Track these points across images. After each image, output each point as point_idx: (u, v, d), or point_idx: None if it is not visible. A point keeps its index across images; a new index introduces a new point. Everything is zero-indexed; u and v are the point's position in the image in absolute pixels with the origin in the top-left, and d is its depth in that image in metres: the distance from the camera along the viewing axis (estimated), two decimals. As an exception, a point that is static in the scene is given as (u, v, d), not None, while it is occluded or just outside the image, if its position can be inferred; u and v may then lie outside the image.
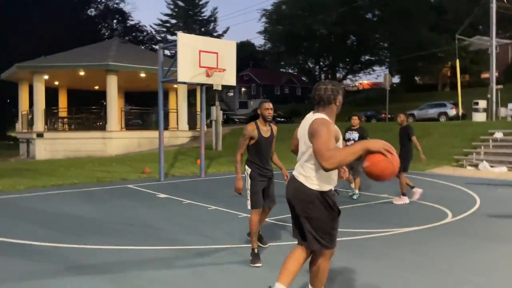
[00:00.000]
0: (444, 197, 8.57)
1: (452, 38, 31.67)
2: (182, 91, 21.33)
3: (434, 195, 8.83)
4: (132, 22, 48.31)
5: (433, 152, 16.55)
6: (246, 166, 4.58)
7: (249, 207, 4.50)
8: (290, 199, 3.02)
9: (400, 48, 40.98)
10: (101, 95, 25.02)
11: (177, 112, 22.00)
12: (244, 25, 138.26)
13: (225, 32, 57.73)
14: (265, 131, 4.54)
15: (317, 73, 52.02)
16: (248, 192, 4.50)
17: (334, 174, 2.98)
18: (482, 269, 4.28)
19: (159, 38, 51.33)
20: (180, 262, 4.55)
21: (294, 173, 3.02)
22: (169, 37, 51.47)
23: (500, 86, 23.84)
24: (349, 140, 8.19)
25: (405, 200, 7.87)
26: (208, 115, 21.03)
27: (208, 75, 10.64)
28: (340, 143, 2.91)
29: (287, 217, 3.68)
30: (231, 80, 11.29)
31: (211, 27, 55.72)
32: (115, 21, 47.63)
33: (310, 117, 2.92)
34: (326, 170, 2.61)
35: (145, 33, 50.10)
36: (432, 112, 26.21)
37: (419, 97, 38.92)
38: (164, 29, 53.93)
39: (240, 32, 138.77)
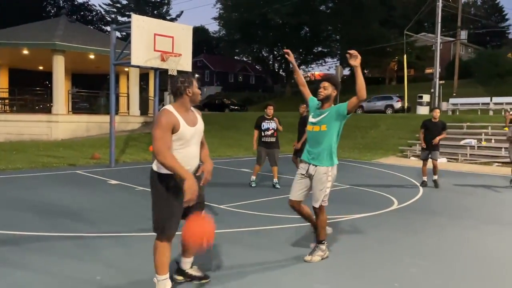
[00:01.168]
0: (390, 185, 9.02)
1: (399, 34, 33.00)
2: (134, 75, 20.70)
3: (381, 183, 9.28)
4: (80, 1, 46.10)
5: (380, 142, 17.34)
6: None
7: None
8: None
9: (351, 41, 42.08)
10: (46, 76, 23.75)
11: (128, 96, 21.35)
12: (199, 10, 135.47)
13: (178, 16, 56.19)
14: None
15: (271, 62, 52.31)
16: None
17: (188, 159, 3.15)
18: (427, 253, 4.58)
19: (109, 18, 49.38)
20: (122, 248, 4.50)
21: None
22: (120, 18, 49.57)
23: (442, 82, 25.23)
24: (268, 129, 8.19)
25: None
26: (161, 100, 20.61)
27: (163, 60, 10.40)
28: (182, 131, 3.06)
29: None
30: (187, 66, 11.10)
31: (164, 10, 54.22)
32: (61, -2, 45.18)
33: None
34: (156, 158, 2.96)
35: (94, 13, 47.99)
36: (380, 104, 27.27)
37: (368, 89, 40.13)
38: (115, 10, 51.77)
39: (194, 17, 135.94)
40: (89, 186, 8.15)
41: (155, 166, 3.14)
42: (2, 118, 18.16)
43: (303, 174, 4.24)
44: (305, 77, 66.47)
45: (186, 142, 3.11)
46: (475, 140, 14.65)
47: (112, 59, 11.08)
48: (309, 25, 44.32)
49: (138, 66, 10.84)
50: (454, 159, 14.15)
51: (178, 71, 11.15)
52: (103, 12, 50.31)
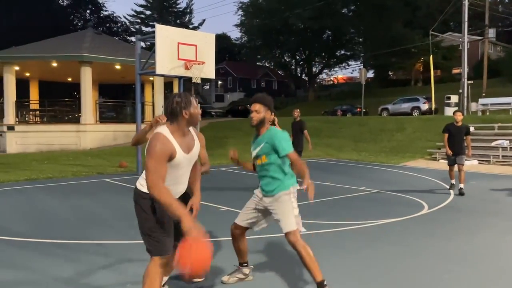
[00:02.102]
0: (419, 189, 8.80)
1: (424, 34, 32.41)
2: (159, 84, 21.05)
3: (410, 187, 9.06)
4: (105, 13, 47.30)
5: (407, 145, 16.99)
6: None
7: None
8: None
9: (374, 43, 41.64)
10: (74, 87, 24.44)
11: (153, 104, 21.71)
12: (220, 18, 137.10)
13: (201, 24, 56.87)
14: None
15: (293, 67, 52.27)
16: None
17: (176, 186, 2.89)
18: (459, 259, 4.43)
19: (133, 29, 50.48)
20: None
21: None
22: (144, 28, 50.64)
23: (470, 82, 24.56)
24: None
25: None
26: (185, 108, 20.85)
27: (187, 68, 10.52)
28: (178, 159, 2.71)
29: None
30: (210, 73, 11.21)
31: (186, 19, 55.03)
32: (88, 11, 46.47)
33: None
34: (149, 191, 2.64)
35: (119, 24, 49.15)
36: (406, 106, 26.77)
37: (393, 91, 39.71)
38: (139, 20, 52.95)
39: (216, 24, 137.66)
40: (117, 194, 8.28)
41: (141, 186, 2.87)
42: (34, 129, 18.77)
43: (258, 204, 3.56)
44: (328, 81, 66.03)
45: (179, 169, 2.82)
46: (507, 141, 14.16)
47: (138, 68, 11.28)
48: (331, 29, 44.10)
49: (163, 75, 11.02)
50: (485, 161, 13.70)
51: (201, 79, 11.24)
52: (127, 23, 51.49)
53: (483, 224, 5.95)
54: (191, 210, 3.00)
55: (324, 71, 53.00)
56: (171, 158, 2.68)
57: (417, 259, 4.42)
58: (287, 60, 51.39)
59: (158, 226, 2.85)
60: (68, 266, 4.15)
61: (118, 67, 19.14)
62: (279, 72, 60.18)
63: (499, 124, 15.84)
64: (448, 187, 8.82)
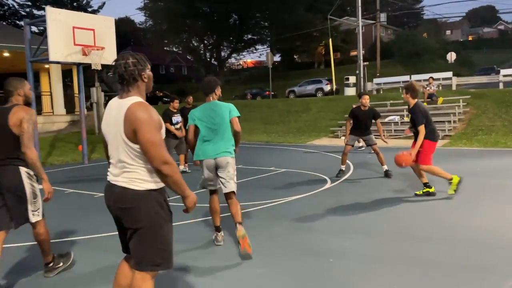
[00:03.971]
0: (323, 166, 9.38)
1: (324, 18, 34.05)
2: (56, 72, 19.48)
3: (315, 165, 9.62)
4: (-12, -6, 42.32)
5: (313, 125, 17.92)
6: None
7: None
8: (112, 209, 2.41)
9: (279, 27, 42.75)
10: (-46, 78, 21.63)
11: (51, 95, 20.08)
12: (122, 0, 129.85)
13: (100, 7, 53.80)
14: None
15: (202, 51, 51.68)
16: None
17: None
18: (361, 227, 4.86)
19: (24, 13, 45.80)
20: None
21: (112, 179, 2.39)
22: (36, 12, 46.21)
23: (366, 63, 26.47)
24: (177, 123, 8.82)
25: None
26: (88, 97, 19.64)
27: (85, 54, 9.93)
28: (163, 130, 2.33)
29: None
30: (112, 59, 10.63)
31: (84, 2, 51.29)
32: (-35, -8, 41.19)
33: (120, 103, 2.29)
34: (157, 170, 2.22)
35: (6, 7, 44.31)
36: (310, 88, 28.10)
37: (298, 74, 41.37)
38: (29, 3, 48.13)
39: (117, 8, 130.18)
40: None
41: (140, 184, 2.29)
42: None
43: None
44: (237, 65, 66.30)
45: None
46: (399, 117, 15.62)
47: (28, 56, 10.37)
48: (238, 13, 44.28)
49: (57, 62, 10.27)
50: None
51: (103, 66, 10.70)
52: (16, 7, 46.60)
53: (378, 193, 6.55)
54: None
55: (233, 55, 53.25)
56: (160, 127, 2.29)
57: (320, 230, 4.75)
58: (196, 44, 50.64)
59: (172, 230, 2.40)
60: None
61: (6, 54, 17.30)
62: (188, 57, 59.18)
63: (391, 101, 17.38)
64: (349, 162, 9.41)
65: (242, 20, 45.68)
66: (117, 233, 2.53)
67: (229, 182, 4.18)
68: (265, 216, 5.42)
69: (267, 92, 30.48)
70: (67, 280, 3.61)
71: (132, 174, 2.28)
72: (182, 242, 4.42)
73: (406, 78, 23.73)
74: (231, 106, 4.29)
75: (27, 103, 3.56)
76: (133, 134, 2.20)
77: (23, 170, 3.36)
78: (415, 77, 23.28)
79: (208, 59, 52.90)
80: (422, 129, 5.77)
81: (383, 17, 31.64)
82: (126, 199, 2.28)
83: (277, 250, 4.15)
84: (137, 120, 2.17)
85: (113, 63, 2.37)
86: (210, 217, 4.53)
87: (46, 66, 19.25)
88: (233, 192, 4.20)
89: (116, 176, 2.34)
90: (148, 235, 2.28)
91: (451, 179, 5.90)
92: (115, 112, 2.29)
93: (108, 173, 2.42)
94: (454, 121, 14.67)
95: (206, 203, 6.11)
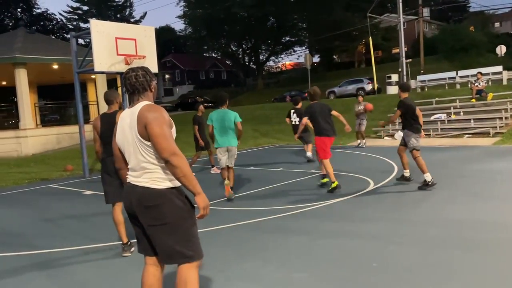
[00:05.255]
0: (365, 167, 9.13)
1: (363, 17, 33.34)
2: (101, 81, 20.29)
3: (357, 166, 9.38)
4: (38, 10, 44.85)
5: (354, 126, 17.49)
6: None
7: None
8: (133, 208, 2.49)
9: (317, 28, 42.35)
10: (11, 91, 23.00)
11: (97, 103, 20.91)
12: (163, 10, 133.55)
13: (142, 17, 55.19)
14: None
15: (240, 56, 52.13)
16: None
17: None
18: (404, 231, 4.66)
19: (71, 26, 48.18)
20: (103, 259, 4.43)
21: (133, 180, 2.50)
22: (82, 25, 48.45)
23: (409, 60, 25.65)
24: None
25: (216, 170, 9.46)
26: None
27: (127, 63, 10.21)
28: (174, 129, 2.49)
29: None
30: (153, 67, 10.93)
31: (127, 13, 53.27)
32: (19, 10, 43.80)
33: (132, 110, 2.48)
34: (167, 163, 2.35)
35: (54, 22, 46.80)
36: (351, 88, 27.57)
37: (338, 74, 40.75)
38: (76, 17, 50.59)
39: (158, 17, 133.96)
40: (62, 200, 7.96)
41: (161, 183, 2.43)
42: (-32, 139, 17.54)
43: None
44: (275, 68, 66.30)
45: None
46: (445, 115, 14.99)
47: (75, 67, 10.83)
48: (275, 16, 44.31)
49: (102, 72, 10.63)
50: (426, 134, 14.43)
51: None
52: (64, 21, 49.08)
53: (424, 195, 6.27)
54: None
55: (271, 58, 53.36)
56: (171, 126, 2.47)
57: (362, 234, 4.60)
58: (234, 49, 51.18)
59: (196, 223, 2.54)
60: (17, 279, 3.96)
61: (55, 66, 18.21)
62: (227, 62, 59.87)
63: (437, 99, 16.72)
64: (393, 162, 9.14)
65: (279, 22, 45.66)
66: (136, 233, 2.60)
67: (233, 160, 6.84)
68: (307, 219, 5.32)
69: (306, 94, 30.20)
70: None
71: (152, 175, 2.43)
72: (219, 246, 4.42)
73: (452, 74, 22.71)
74: (236, 114, 6.68)
75: (120, 108, 4.65)
76: (145, 131, 2.37)
77: None
78: (462, 72, 22.25)
79: (247, 63, 53.26)
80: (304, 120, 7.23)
81: (426, 12, 30.61)
82: (150, 198, 2.41)
83: (318, 254, 4.05)
84: (147, 117, 2.37)
85: (124, 76, 2.56)
86: (249, 221, 4.50)
87: (92, 76, 20.08)
88: (232, 166, 6.86)
89: (137, 178, 2.48)
90: (175, 229, 2.42)
91: (334, 182, 6.68)
92: (129, 119, 2.48)
93: (129, 176, 2.55)
94: (506, 118, 13.88)
95: (249, 207, 6.11)
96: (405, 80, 21.56)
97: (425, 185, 6.50)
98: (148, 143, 2.39)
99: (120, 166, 2.68)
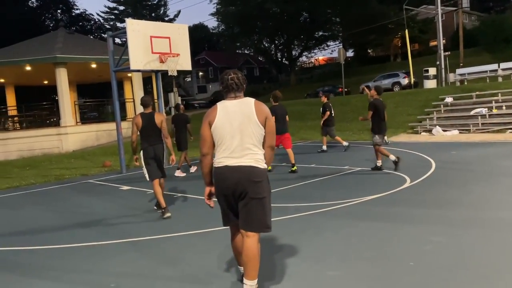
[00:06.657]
0: (401, 164, 8.89)
1: (399, 9, 32.48)
2: (137, 79, 20.76)
3: (391, 163, 9.15)
4: (77, 11, 46.34)
5: (389, 121, 16.98)
6: None
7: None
8: (239, 185, 2.97)
9: (351, 22, 41.58)
10: (52, 89, 23.96)
11: (133, 101, 21.44)
12: (196, 8, 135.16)
13: (176, 16, 56.00)
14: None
15: (273, 52, 52.00)
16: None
17: None
18: (442, 230, 4.52)
19: (108, 26, 49.51)
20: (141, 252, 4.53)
21: (234, 162, 3.01)
22: (118, 24, 49.72)
23: (447, 53, 24.78)
24: None
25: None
26: (167, 102, 20.62)
27: (162, 61, 10.39)
28: None
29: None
30: (186, 65, 11.09)
31: (161, 12, 54.17)
32: (59, 11, 45.44)
33: (241, 102, 3.08)
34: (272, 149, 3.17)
35: (92, 22, 48.25)
36: (386, 82, 26.93)
37: (373, 69, 39.87)
38: (113, 17, 51.95)
39: (192, 15, 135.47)
40: (102, 194, 8.22)
41: (261, 164, 3.03)
42: (13, 136, 18.42)
43: None
44: (308, 63, 65.68)
45: None
46: (486, 109, 14.39)
47: (112, 66, 11.12)
48: (308, 11, 43.87)
49: (137, 70, 10.87)
50: (466, 130, 13.92)
51: (179, 71, 11.13)
52: (101, 21, 50.54)
53: (463, 194, 6.05)
54: None
55: (304, 53, 52.94)
56: None
57: (398, 232, 4.49)
58: (266, 45, 51.10)
59: None
60: (56, 269, 4.12)
61: (94, 65, 18.81)
62: (259, 58, 59.85)
63: (477, 93, 16.06)
64: (430, 159, 8.89)
65: (312, 17, 45.18)
66: (225, 209, 3.14)
67: None
68: (340, 217, 5.25)
69: (340, 89, 29.77)
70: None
71: (256, 156, 3.02)
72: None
73: (493, 66, 21.73)
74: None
75: (154, 110, 6.08)
76: (265, 121, 3.04)
77: (164, 146, 6.07)
78: (504, 65, 21.26)
79: (279, 59, 53.06)
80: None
81: (465, 2, 29.37)
82: (258, 174, 2.99)
83: (352, 252, 3.98)
84: (267, 112, 3.08)
85: (225, 76, 3.12)
86: (283, 217, 4.47)
87: (129, 74, 20.59)
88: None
89: (239, 158, 2.99)
90: (268, 203, 3.05)
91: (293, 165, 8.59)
92: (238, 108, 3.04)
93: (223, 159, 3.01)
94: (553, 112, 13.17)
95: (281, 203, 6.10)
96: (443, 74, 20.81)
97: (376, 169, 8.10)
98: (263, 131, 3.03)
99: (208, 152, 3.11)
